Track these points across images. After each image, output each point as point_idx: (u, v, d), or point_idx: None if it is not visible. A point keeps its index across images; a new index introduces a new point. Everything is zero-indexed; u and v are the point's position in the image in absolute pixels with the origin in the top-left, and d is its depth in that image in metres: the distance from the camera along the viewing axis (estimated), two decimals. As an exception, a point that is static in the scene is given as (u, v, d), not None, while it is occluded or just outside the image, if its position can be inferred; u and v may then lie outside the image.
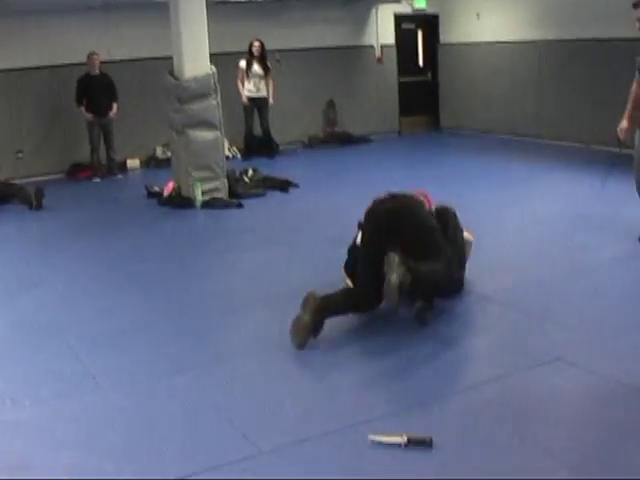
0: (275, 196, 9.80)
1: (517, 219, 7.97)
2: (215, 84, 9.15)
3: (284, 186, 10.06)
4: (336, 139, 14.16)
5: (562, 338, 4.88)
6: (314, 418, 3.98)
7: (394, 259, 4.64)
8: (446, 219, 5.50)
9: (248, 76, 12.37)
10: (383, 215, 5.15)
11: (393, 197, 5.23)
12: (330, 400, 4.22)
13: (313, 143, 14.04)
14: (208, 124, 9.15)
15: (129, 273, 6.81)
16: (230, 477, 3.44)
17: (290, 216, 8.78)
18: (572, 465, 3.45)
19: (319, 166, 12.35)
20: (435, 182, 9.52)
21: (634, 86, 6.78)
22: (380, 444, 3.60)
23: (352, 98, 14.58)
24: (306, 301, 4.90)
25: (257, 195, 9.71)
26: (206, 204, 9.20)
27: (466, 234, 5.78)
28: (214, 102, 9.17)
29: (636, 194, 6.83)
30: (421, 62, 15.66)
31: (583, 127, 12.56)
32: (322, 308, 4.89)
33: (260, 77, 12.43)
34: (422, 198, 5.49)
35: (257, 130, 12.78)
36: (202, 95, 9.04)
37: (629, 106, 6.78)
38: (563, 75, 12.92)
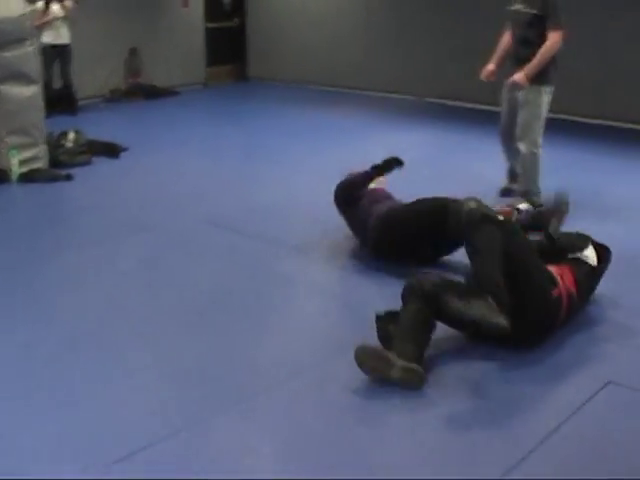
0: (104, 163, 8.09)
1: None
2: (32, 27, 7.29)
3: (114, 151, 8.39)
4: (141, 92, 12.46)
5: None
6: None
7: None
8: None
9: (47, 19, 10.35)
10: None
11: None
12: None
13: (116, 97, 12.25)
14: (24, 77, 7.25)
15: None
16: None
17: (138, 189, 7.17)
18: None
19: (134, 123, 10.65)
20: (259, 138, 9.28)
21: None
22: None
23: (156, 46, 12.87)
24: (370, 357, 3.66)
25: (83, 163, 7.98)
26: (25, 177, 7.34)
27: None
28: (31, 49, 7.30)
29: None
30: (227, 6, 14.18)
31: (416, 78, 11.77)
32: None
33: (61, 20, 10.44)
34: None
35: (56, 82, 10.84)
36: (17, 40, 7.11)
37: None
38: (392, 23, 12.02)
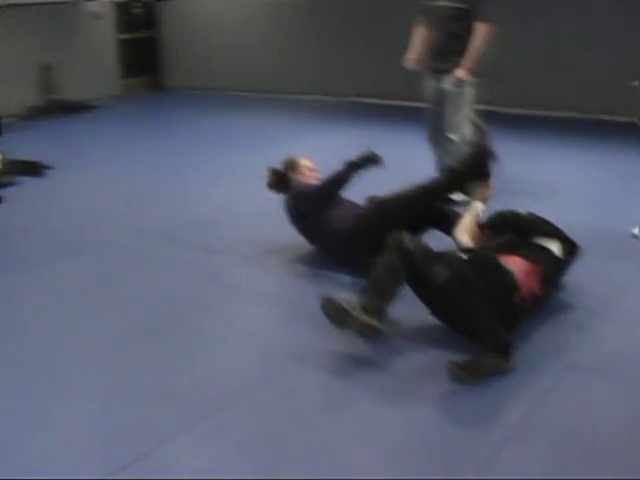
0: (30, 183, 7.86)
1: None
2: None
3: (37, 169, 8.18)
4: (57, 108, 12.19)
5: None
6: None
7: None
8: None
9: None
10: None
11: None
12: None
13: (32, 114, 11.95)
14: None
15: None
16: None
17: (71, 207, 7.01)
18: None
19: (54, 140, 10.34)
20: (184, 148, 9.22)
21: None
22: None
23: (70, 61, 12.63)
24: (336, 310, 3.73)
25: (7, 184, 7.76)
26: (-51, 202, 7.13)
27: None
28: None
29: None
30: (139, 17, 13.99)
31: (334, 79, 11.85)
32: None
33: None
34: None
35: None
36: None
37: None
38: (307, 25, 12.06)
